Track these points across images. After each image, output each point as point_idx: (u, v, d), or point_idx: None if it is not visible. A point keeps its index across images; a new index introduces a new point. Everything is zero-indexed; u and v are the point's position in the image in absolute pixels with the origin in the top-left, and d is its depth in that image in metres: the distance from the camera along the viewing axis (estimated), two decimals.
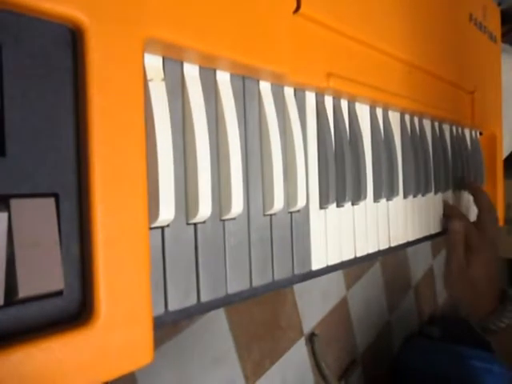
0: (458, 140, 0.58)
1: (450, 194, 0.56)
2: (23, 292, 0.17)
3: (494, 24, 0.67)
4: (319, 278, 0.35)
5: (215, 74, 0.27)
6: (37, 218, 0.17)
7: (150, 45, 0.22)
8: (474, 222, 0.56)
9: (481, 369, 0.79)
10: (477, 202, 0.58)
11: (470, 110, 0.59)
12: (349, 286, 0.76)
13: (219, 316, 0.49)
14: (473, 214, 0.63)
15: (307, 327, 0.64)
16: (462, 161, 0.58)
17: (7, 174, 0.17)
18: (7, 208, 0.17)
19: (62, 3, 0.17)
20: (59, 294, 0.18)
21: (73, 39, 0.19)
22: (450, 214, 0.55)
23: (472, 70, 0.60)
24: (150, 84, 0.22)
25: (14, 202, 0.17)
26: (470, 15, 0.59)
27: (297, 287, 0.61)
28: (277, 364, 0.58)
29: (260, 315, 0.55)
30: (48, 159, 0.18)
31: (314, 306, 0.66)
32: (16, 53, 0.17)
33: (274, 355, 0.57)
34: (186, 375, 0.45)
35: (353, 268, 0.76)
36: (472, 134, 0.63)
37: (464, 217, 0.55)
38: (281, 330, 0.59)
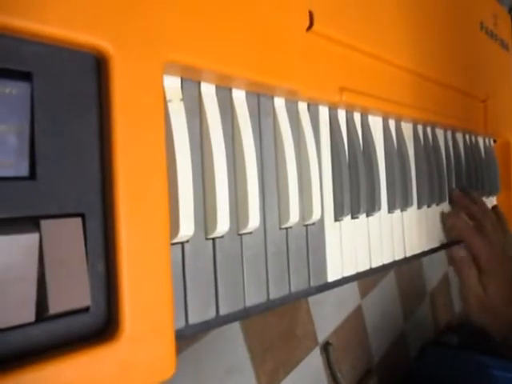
0: (472, 148, 0.58)
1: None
2: (53, 308, 0.17)
3: (506, 31, 0.67)
4: None
5: (231, 92, 0.27)
6: (65, 238, 0.18)
7: (169, 67, 0.23)
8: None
9: (501, 378, 0.77)
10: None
11: (482, 119, 0.59)
12: (363, 295, 0.75)
13: (234, 325, 0.49)
14: None
15: (322, 336, 0.64)
16: (476, 169, 0.58)
17: (38, 196, 0.18)
18: (38, 229, 0.18)
19: (89, 33, 0.18)
20: (86, 310, 0.19)
21: (98, 66, 0.19)
22: (454, 228, 0.51)
23: (484, 78, 0.60)
24: (170, 105, 0.23)
25: (44, 223, 0.18)
26: (481, 23, 0.59)
27: (311, 296, 0.61)
28: (291, 374, 0.57)
29: (274, 324, 0.55)
30: (75, 181, 0.19)
31: (328, 314, 0.66)
32: (46, 81, 0.18)
33: (289, 365, 0.57)
34: None
35: None
36: (486, 142, 0.63)
37: (471, 231, 0.52)
38: (295, 339, 0.59)
